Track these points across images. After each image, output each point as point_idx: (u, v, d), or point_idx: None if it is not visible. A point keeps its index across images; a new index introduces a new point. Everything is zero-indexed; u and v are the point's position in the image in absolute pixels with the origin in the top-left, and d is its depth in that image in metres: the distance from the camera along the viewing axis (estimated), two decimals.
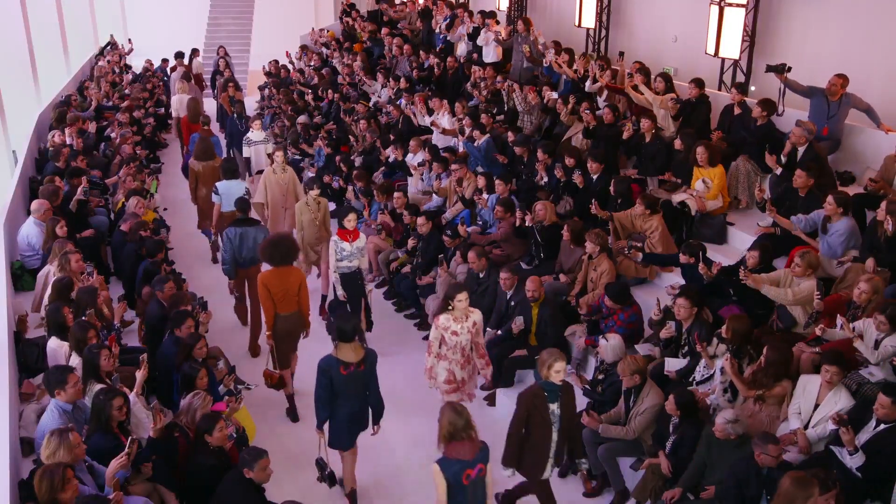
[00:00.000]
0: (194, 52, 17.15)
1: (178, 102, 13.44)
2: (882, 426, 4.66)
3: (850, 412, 4.87)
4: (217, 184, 8.96)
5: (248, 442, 5.76)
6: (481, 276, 7.48)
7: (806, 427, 5.07)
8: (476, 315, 6.01)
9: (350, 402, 5.36)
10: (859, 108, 7.84)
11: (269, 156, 10.07)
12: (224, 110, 13.44)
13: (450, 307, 5.92)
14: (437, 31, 13.91)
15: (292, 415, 6.82)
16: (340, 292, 7.40)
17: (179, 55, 15.76)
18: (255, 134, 10.94)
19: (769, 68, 8.17)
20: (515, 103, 10.25)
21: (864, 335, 5.22)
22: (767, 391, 5.29)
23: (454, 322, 5.91)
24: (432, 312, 7.92)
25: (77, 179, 9.15)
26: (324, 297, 8.53)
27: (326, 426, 5.45)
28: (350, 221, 7.23)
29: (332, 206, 9.41)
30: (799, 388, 5.21)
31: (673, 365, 6.03)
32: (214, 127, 12.81)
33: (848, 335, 5.19)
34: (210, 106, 15.47)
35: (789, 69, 8.03)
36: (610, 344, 5.94)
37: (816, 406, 5.06)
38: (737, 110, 8.32)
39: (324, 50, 17.07)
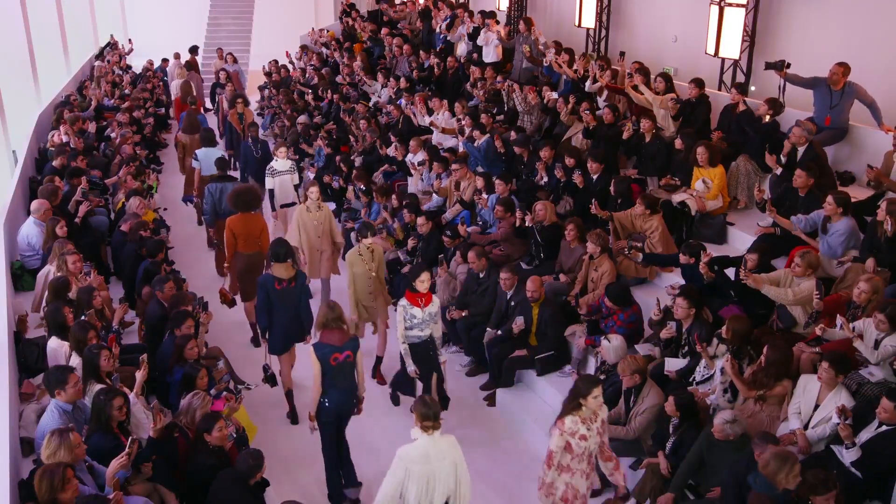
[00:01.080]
0: (194, 49, 17.30)
1: (175, 87, 15.56)
2: (884, 427, 4.65)
3: (852, 410, 4.86)
4: (196, 151, 10.42)
5: (249, 441, 5.77)
6: (481, 276, 7.48)
7: (806, 427, 5.07)
8: (603, 412, 4.83)
9: (284, 314, 6.49)
10: (863, 101, 7.82)
11: (297, 187, 9.37)
12: (232, 130, 12.28)
13: (581, 406, 4.67)
14: (438, 30, 13.91)
15: (292, 416, 6.81)
16: (412, 368, 6.22)
17: (189, 51, 17.16)
18: (281, 163, 9.20)
19: (768, 66, 8.17)
20: (515, 103, 10.26)
21: (863, 335, 5.22)
22: (768, 391, 5.29)
23: (582, 425, 4.66)
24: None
25: (77, 179, 9.15)
26: (378, 359, 7.45)
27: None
28: (423, 283, 6.06)
29: (331, 206, 9.48)
30: (799, 388, 5.21)
31: (673, 365, 6.03)
32: (220, 147, 11.50)
33: (848, 335, 5.19)
34: (209, 112, 15.45)
35: (788, 65, 8.03)
36: (612, 345, 5.94)
37: (817, 406, 5.05)
38: (741, 107, 8.31)
39: (324, 50, 17.08)
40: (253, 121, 12.38)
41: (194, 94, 14.56)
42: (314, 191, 7.97)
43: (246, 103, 12.31)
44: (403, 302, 6.11)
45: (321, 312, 5.57)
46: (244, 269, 7.69)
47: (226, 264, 8.10)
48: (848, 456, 4.66)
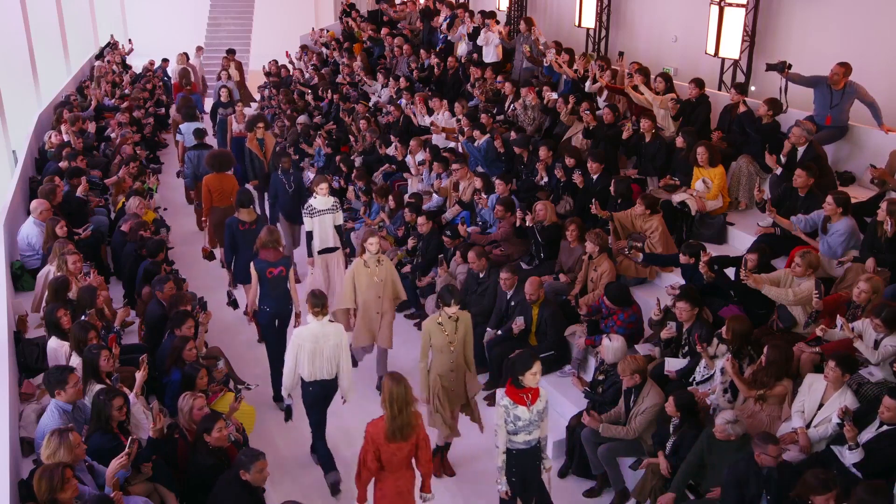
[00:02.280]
0: (198, 49, 17.43)
1: (173, 72, 16.32)
2: (885, 427, 4.65)
3: (854, 412, 4.86)
4: (180, 126, 11.73)
5: (248, 439, 5.78)
6: (481, 276, 7.48)
7: (808, 426, 5.07)
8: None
9: (247, 250, 7.43)
10: (864, 101, 7.82)
11: (338, 228, 8.03)
12: (252, 157, 10.37)
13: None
14: (438, 30, 13.91)
15: (287, 412, 6.64)
16: (503, 488, 4.98)
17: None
18: (321, 200, 7.78)
19: (769, 67, 8.17)
20: (518, 112, 10.26)
21: (863, 335, 5.22)
22: (768, 391, 5.29)
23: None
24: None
25: (77, 179, 9.16)
26: (447, 446, 6.28)
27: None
28: (534, 375, 4.75)
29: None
30: (804, 386, 5.20)
31: (673, 365, 6.03)
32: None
33: (848, 335, 5.19)
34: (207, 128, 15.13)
35: (789, 66, 8.03)
36: (612, 345, 5.94)
37: (821, 406, 5.05)
38: (741, 108, 8.31)
39: (324, 50, 17.08)
40: (282, 147, 11.69)
41: (188, 75, 15.86)
42: (374, 241, 6.71)
43: (267, 126, 10.62)
44: (505, 400, 4.85)
45: (261, 236, 6.77)
46: (219, 221, 8.72)
47: (203, 219, 9.51)
48: (850, 457, 4.66)
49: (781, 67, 8.01)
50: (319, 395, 5.85)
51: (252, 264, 6.70)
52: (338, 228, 7.98)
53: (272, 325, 6.78)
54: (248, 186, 10.16)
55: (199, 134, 10.53)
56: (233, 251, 7.80)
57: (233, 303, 8.08)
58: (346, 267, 7.99)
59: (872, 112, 7.82)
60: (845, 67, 7.77)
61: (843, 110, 7.88)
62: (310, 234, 7.84)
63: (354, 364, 6.96)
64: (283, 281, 6.72)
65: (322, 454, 5.97)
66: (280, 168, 9.12)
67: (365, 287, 6.79)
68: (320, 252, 7.92)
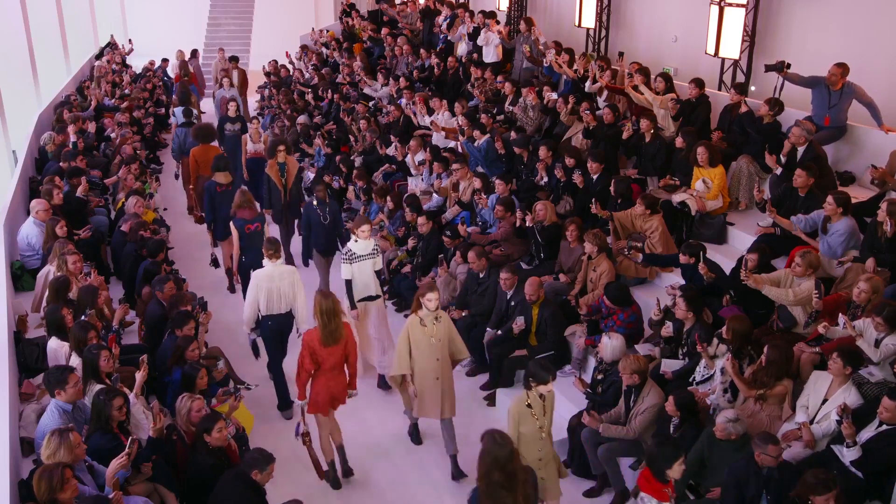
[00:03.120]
0: (194, 52, 17.41)
1: (172, 67, 17.39)
2: (885, 426, 4.65)
3: (856, 410, 4.86)
4: (174, 109, 12.85)
5: (248, 439, 5.78)
6: (481, 276, 7.48)
7: (811, 422, 5.06)
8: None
9: (224, 210, 8.39)
10: (862, 101, 7.82)
11: (379, 273, 7.22)
12: (271, 185, 9.24)
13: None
14: (438, 30, 13.91)
15: (230, 286, 8.76)
16: None
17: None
18: (361, 245, 6.89)
19: (768, 68, 8.17)
20: (519, 117, 10.26)
21: (864, 334, 5.21)
22: (768, 391, 5.29)
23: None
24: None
25: (77, 179, 9.16)
26: None
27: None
28: (680, 467, 4.30)
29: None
30: (810, 382, 5.21)
31: (669, 366, 6.04)
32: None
33: (851, 333, 5.18)
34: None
35: (788, 66, 8.03)
36: (611, 343, 5.94)
37: (825, 401, 5.05)
38: (742, 108, 8.31)
39: (324, 50, 17.08)
40: (310, 174, 11.43)
41: (190, 69, 16.74)
42: (433, 297, 5.76)
43: (289, 151, 9.45)
44: (642, 495, 4.55)
45: (236, 199, 7.91)
46: (201, 188, 9.50)
47: (190, 186, 10.62)
48: (848, 455, 4.67)
49: (780, 67, 8.01)
50: (275, 329, 6.71)
51: (231, 222, 7.84)
52: (378, 274, 7.15)
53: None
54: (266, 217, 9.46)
55: (187, 113, 12.06)
56: (212, 211, 8.72)
57: (214, 262, 9.20)
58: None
59: (871, 113, 7.82)
60: (843, 68, 7.77)
61: (841, 110, 7.88)
62: (349, 283, 6.94)
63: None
64: (259, 235, 7.67)
65: (278, 385, 6.87)
66: (315, 197, 8.21)
67: (423, 349, 5.83)
68: (361, 300, 7.02)
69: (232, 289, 8.93)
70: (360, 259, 6.88)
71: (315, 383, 5.70)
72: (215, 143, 10.13)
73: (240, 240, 7.79)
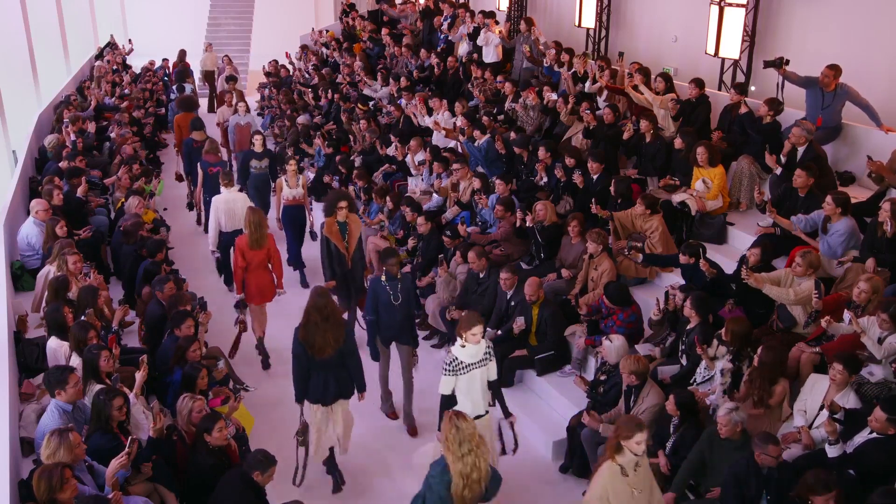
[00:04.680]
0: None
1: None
2: (874, 434, 4.66)
3: (855, 413, 4.86)
4: (174, 86, 15.51)
5: (248, 439, 5.77)
6: (481, 276, 7.48)
7: (810, 426, 5.06)
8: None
9: (199, 160, 9.97)
10: (857, 103, 7.82)
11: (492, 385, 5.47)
12: (332, 249, 7.51)
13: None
14: (439, 31, 13.91)
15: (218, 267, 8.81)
16: None
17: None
18: (470, 350, 5.23)
19: (767, 64, 8.16)
20: (519, 115, 10.25)
21: (867, 331, 5.21)
22: (769, 398, 5.27)
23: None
24: (432, 312, 7.92)
25: (77, 179, 9.16)
26: None
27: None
28: None
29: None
30: (807, 386, 5.20)
31: (666, 372, 6.04)
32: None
33: (856, 329, 5.18)
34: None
35: (787, 62, 8.03)
36: (614, 345, 5.94)
37: (822, 406, 5.04)
38: (742, 109, 8.31)
39: (324, 50, 17.08)
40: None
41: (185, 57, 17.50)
42: (641, 439, 4.40)
43: (351, 207, 7.67)
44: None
45: (205, 147, 9.80)
46: (187, 150, 10.91)
47: (176, 148, 11.95)
48: (830, 451, 4.69)
49: (779, 63, 8.01)
50: (230, 241, 7.98)
51: (198, 164, 9.72)
52: (491, 385, 5.44)
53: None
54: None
55: (180, 89, 15.09)
56: (189, 163, 10.59)
57: (189, 205, 11.40)
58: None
59: (869, 114, 7.81)
60: (835, 70, 7.76)
61: (834, 111, 7.89)
62: (447, 400, 5.27)
63: None
64: (216, 176, 9.00)
65: (225, 268, 8.67)
66: (385, 271, 6.52)
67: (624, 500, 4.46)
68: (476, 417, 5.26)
69: (192, 206, 11.23)
70: (470, 369, 5.25)
71: (247, 279, 7.33)
72: (195, 113, 11.63)
73: (203, 179, 9.71)
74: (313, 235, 9.76)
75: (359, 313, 7.70)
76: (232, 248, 7.72)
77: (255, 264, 7.30)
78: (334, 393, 5.70)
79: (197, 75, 18.11)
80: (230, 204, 8.35)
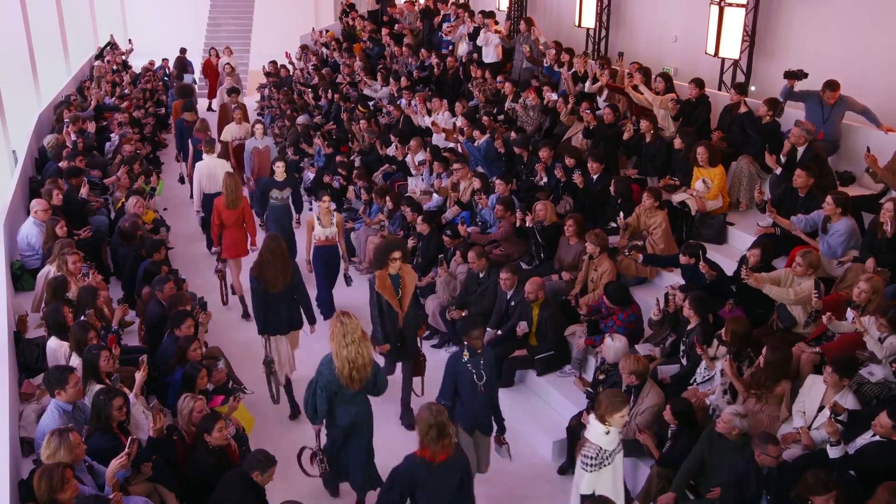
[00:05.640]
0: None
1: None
2: (877, 437, 4.65)
3: (856, 414, 4.86)
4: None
5: (248, 434, 5.77)
6: (481, 276, 7.48)
7: (809, 428, 5.06)
8: None
9: (190, 138, 10.97)
10: (855, 111, 7.83)
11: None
12: (384, 308, 6.35)
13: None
14: (440, 32, 13.89)
15: (294, 414, 6.87)
16: None
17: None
18: (610, 435, 4.68)
19: (787, 74, 8.07)
20: (519, 115, 10.25)
21: (869, 330, 5.20)
22: (768, 392, 5.28)
23: None
24: (432, 312, 7.92)
25: (76, 179, 9.16)
26: None
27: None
28: None
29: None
30: (805, 388, 5.20)
31: (666, 372, 6.04)
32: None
33: (859, 328, 5.18)
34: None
35: (805, 76, 8.01)
36: (614, 345, 5.94)
37: (821, 408, 5.04)
38: (742, 109, 8.31)
39: (324, 50, 17.08)
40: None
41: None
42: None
43: (405, 257, 6.56)
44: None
45: (196, 125, 10.90)
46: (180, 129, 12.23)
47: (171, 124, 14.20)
48: (832, 452, 4.68)
49: (799, 76, 7.97)
50: (211, 202, 8.70)
51: (189, 141, 10.80)
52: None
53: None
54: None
55: (180, 77, 16.37)
56: (181, 141, 11.79)
57: (180, 179, 12.24)
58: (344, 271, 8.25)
59: (868, 117, 7.81)
60: (836, 87, 7.76)
61: (834, 124, 7.91)
62: (586, 500, 4.59)
63: None
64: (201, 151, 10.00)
65: (207, 235, 9.63)
66: (467, 346, 5.44)
67: None
68: None
69: (182, 180, 12.26)
70: (613, 456, 4.68)
71: (223, 236, 8.32)
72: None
73: (194, 155, 10.50)
74: (348, 280, 8.40)
75: (415, 380, 6.69)
76: (206, 206, 8.97)
77: (231, 223, 8.27)
78: (287, 323, 6.65)
79: (198, 72, 18.22)
80: (211, 169, 9.38)
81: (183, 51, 18.03)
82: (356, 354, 5.08)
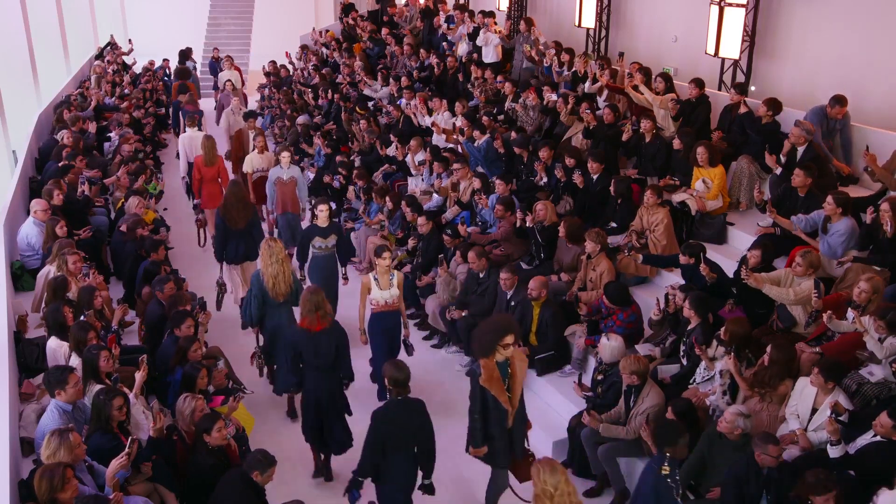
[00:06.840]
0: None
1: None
2: (878, 437, 4.65)
3: (856, 415, 4.86)
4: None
5: (248, 439, 5.77)
6: (481, 276, 7.48)
7: (805, 430, 5.06)
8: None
9: (184, 117, 11.93)
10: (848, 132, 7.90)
11: None
12: (487, 410, 5.04)
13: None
14: (439, 32, 13.90)
15: (292, 414, 6.84)
16: None
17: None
18: None
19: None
20: (519, 115, 10.25)
21: (869, 330, 5.20)
22: (772, 391, 5.28)
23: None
24: (432, 312, 7.93)
25: (74, 178, 9.15)
26: None
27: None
28: None
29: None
30: (797, 390, 5.20)
31: (666, 372, 6.04)
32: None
33: (859, 328, 5.17)
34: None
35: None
36: (610, 344, 5.94)
37: (815, 410, 5.04)
38: (742, 109, 8.31)
39: (324, 50, 17.08)
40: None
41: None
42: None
43: (516, 338, 5.13)
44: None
45: (188, 96, 13.22)
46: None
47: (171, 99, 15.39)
48: (832, 452, 4.69)
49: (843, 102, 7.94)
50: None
51: (180, 113, 12.56)
52: None
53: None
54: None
55: (182, 60, 17.03)
56: (175, 119, 13.68)
57: (177, 154, 12.44)
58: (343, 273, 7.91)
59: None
60: (844, 103, 7.80)
61: (834, 137, 7.96)
62: None
63: None
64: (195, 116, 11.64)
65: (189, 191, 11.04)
66: (668, 459, 4.70)
67: None
68: None
69: (177, 155, 12.61)
70: None
71: (202, 189, 9.88)
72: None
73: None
74: (409, 349, 6.96)
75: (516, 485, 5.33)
76: (189, 174, 10.39)
77: (208, 178, 9.86)
78: (243, 254, 8.04)
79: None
80: (193, 140, 10.83)
81: (189, 50, 18.10)
82: (278, 271, 6.46)
